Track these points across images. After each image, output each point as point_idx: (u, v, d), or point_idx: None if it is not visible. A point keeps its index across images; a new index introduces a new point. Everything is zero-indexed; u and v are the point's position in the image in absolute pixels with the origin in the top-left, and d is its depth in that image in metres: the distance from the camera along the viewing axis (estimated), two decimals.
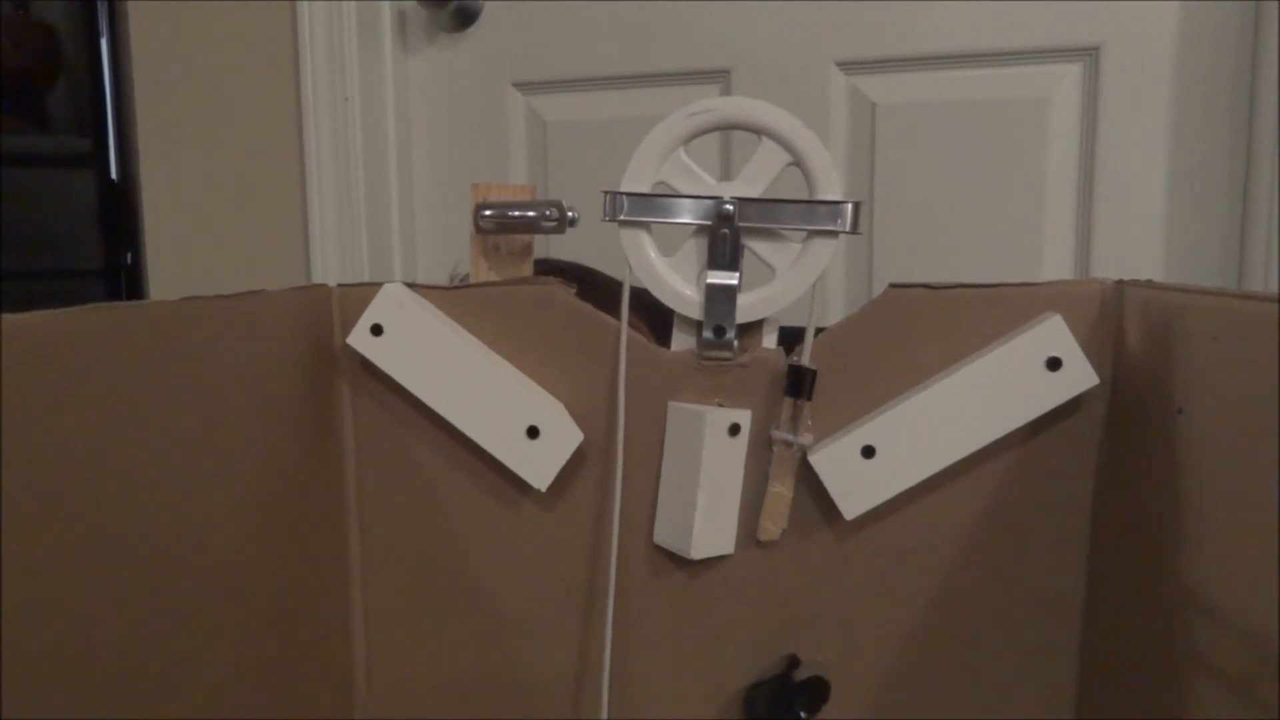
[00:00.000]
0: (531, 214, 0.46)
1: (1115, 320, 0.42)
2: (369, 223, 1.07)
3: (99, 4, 1.37)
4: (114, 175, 1.33)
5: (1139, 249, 0.87)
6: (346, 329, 0.48)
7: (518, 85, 1.07)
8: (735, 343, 0.45)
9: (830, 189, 0.43)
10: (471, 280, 0.48)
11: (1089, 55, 0.87)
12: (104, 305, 0.34)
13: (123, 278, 1.27)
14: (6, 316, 0.29)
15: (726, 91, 0.99)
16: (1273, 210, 0.81)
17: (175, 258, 1.15)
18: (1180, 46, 0.85)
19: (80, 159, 1.32)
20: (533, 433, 0.46)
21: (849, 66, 0.95)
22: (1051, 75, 0.89)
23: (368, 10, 1.06)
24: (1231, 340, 0.34)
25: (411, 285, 0.47)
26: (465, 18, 1.08)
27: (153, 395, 0.36)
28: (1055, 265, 0.90)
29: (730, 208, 0.44)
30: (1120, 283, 0.42)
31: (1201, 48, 0.84)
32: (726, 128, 0.44)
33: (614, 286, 0.47)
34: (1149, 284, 0.40)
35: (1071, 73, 0.88)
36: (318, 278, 1.07)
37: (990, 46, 0.89)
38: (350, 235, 1.07)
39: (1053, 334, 0.41)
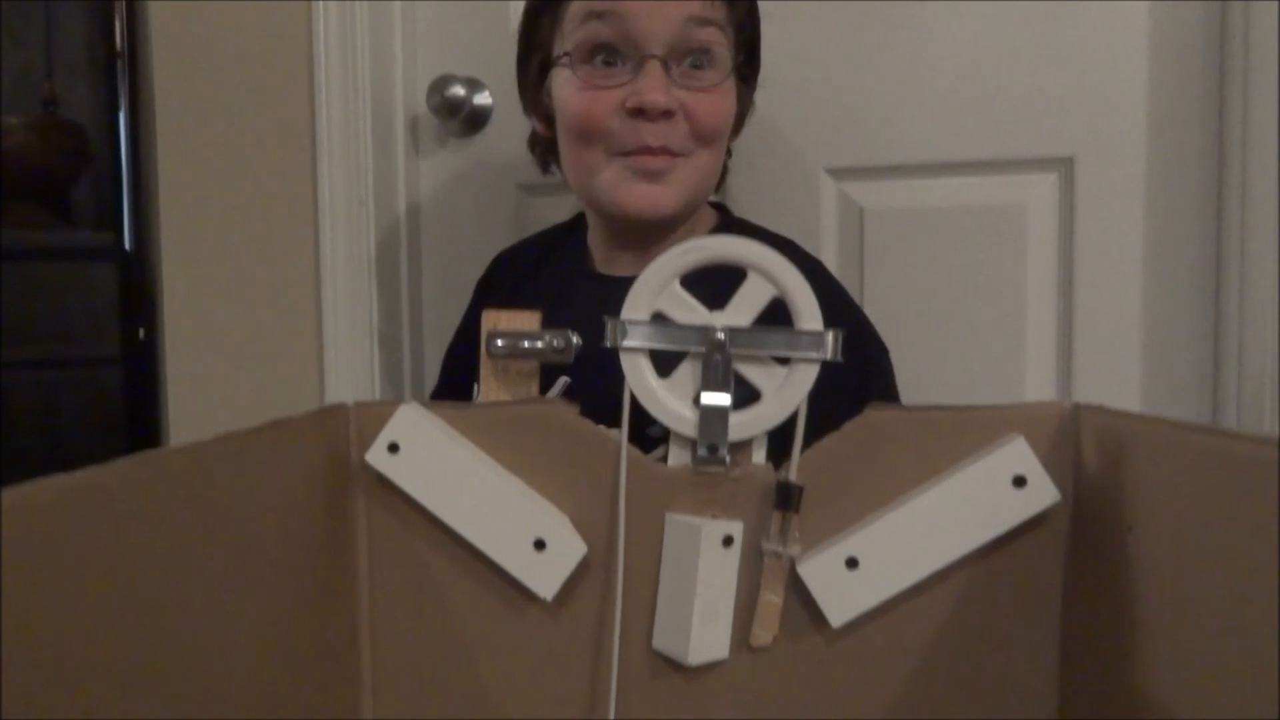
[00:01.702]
0: (540, 345, 0.50)
1: (1073, 441, 0.45)
2: (379, 311, 1.12)
3: (121, 100, 1.45)
4: (133, 267, 1.39)
5: (1118, 348, 0.91)
6: (363, 444, 0.52)
7: (522, 187, 1.13)
8: (728, 458, 0.49)
9: (813, 320, 0.47)
10: (482, 400, 0.52)
11: (1064, 165, 0.93)
12: (142, 456, 0.37)
13: (139, 360, 1.32)
14: (56, 478, 0.32)
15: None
16: (1243, 306, 0.85)
17: (193, 347, 1.19)
18: (1150, 156, 0.90)
19: (101, 251, 1.38)
20: (539, 545, 0.49)
21: (838, 173, 1.01)
22: (1028, 184, 0.94)
23: (382, 117, 1.12)
24: (1172, 466, 0.37)
25: (425, 405, 0.51)
26: (474, 124, 1.14)
27: (184, 535, 0.39)
28: (1037, 362, 0.94)
29: (721, 336, 0.48)
30: (1077, 406, 0.45)
31: (1170, 157, 0.90)
32: (717, 264, 0.48)
33: None
34: (1100, 409, 0.44)
35: (1048, 181, 0.94)
36: (329, 368, 1.11)
37: (971, 156, 0.95)
38: (361, 330, 1.11)
39: (1017, 454, 0.45)
